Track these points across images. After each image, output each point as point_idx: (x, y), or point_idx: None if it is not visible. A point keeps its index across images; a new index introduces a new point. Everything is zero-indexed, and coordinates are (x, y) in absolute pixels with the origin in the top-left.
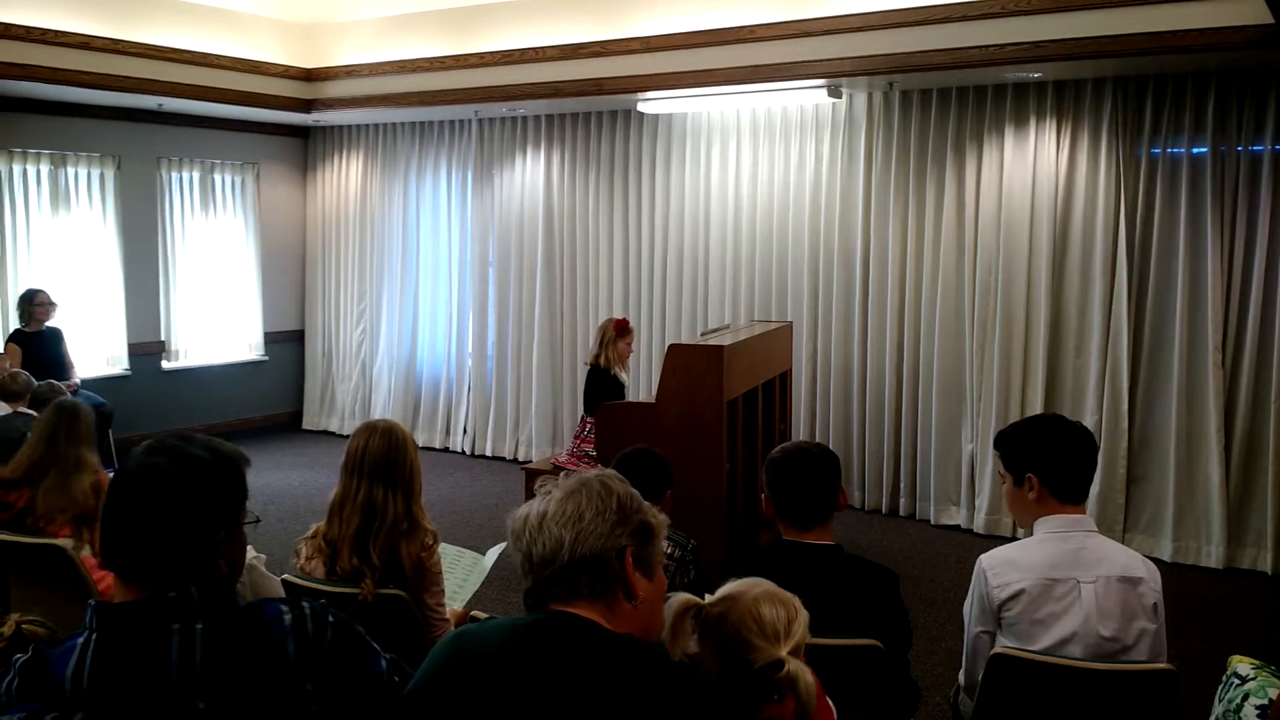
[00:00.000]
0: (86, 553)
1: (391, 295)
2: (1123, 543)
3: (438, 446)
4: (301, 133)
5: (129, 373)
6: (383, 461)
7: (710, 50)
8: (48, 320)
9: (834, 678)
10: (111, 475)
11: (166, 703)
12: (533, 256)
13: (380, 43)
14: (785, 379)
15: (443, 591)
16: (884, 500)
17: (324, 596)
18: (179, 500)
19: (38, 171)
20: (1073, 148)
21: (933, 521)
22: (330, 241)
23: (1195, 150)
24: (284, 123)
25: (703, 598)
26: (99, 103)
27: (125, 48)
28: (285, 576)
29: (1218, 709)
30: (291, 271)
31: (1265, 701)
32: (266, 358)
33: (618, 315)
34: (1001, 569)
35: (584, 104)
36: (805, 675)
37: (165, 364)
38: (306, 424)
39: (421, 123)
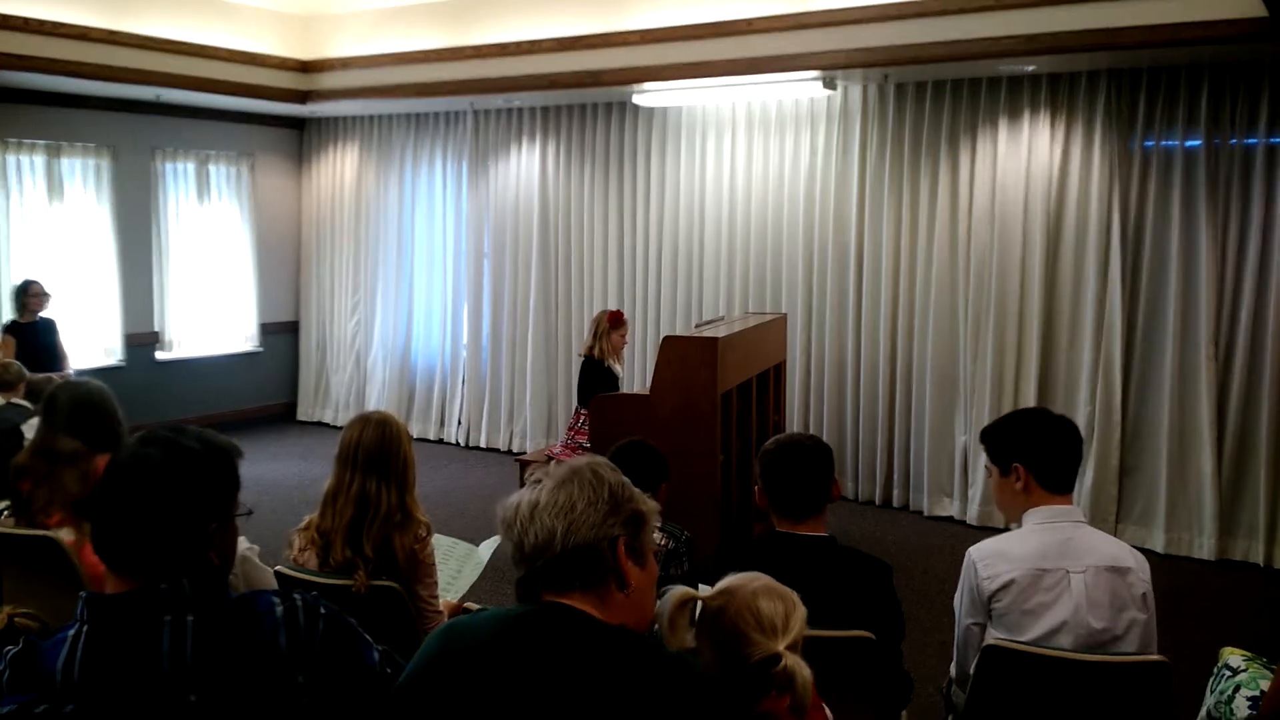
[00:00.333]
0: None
1: (386, 287)
2: (1115, 534)
3: (432, 438)
4: (297, 124)
5: (123, 363)
6: (376, 453)
7: (706, 43)
8: (42, 311)
9: (827, 669)
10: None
11: (157, 694)
12: (528, 248)
13: (376, 34)
14: (779, 371)
15: (436, 583)
16: (877, 491)
17: (317, 588)
18: (171, 491)
19: (33, 162)
20: (1067, 140)
21: (926, 513)
22: (325, 233)
23: (1189, 143)
24: (279, 114)
25: (697, 589)
26: (95, 93)
27: (122, 39)
28: (278, 568)
29: (1209, 700)
30: (286, 263)
31: (1256, 693)
32: (261, 349)
33: (612, 307)
34: (991, 560)
35: (579, 96)
36: (802, 670)
37: (160, 355)
38: (301, 415)
39: (417, 114)
